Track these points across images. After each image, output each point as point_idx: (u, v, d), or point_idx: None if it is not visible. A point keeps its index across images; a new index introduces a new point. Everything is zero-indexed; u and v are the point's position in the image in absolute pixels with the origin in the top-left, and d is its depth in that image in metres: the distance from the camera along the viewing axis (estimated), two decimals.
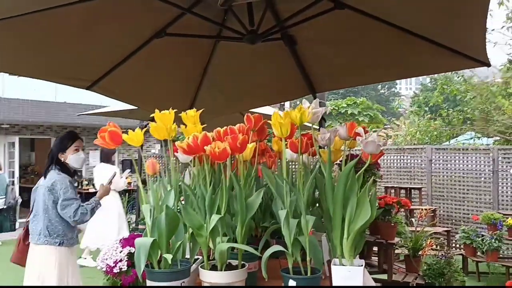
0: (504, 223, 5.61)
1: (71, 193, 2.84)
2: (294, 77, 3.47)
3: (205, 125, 1.51)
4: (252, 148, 1.59)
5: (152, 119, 1.48)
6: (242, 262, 1.40)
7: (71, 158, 2.94)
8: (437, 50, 2.88)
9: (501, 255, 5.72)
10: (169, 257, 1.25)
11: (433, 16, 2.69)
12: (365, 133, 1.40)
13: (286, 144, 1.45)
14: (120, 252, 2.12)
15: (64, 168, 2.95)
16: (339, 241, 1.32)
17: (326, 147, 1.51)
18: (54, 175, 2.89)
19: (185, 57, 3.26)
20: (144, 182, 1.52)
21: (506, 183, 7.23)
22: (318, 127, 1.70)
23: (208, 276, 1.29)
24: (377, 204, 1.58)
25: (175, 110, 1.45)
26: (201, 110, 1.54)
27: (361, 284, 1.27)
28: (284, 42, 3.15)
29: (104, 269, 2.09)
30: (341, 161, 1.54)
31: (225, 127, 1.48)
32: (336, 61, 3.32)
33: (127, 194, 9.90)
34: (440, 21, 2.71)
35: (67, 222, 2.85)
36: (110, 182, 3.21)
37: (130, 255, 2.12)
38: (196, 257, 1.52)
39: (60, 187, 2.82)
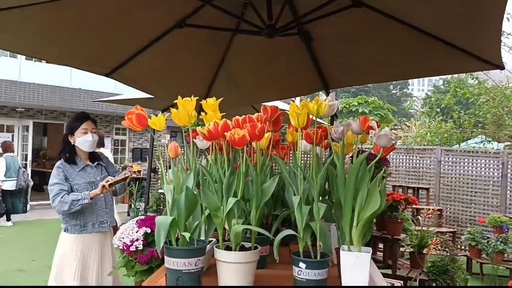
0: (510, 226, 5.64)
1: (55, 177, 2.71)
2: (307, 73, 3.52)
3: (224, 113, 1.58)
4: (268, 137, 1.66)
5: (167, 109, 1.56)
6: (255, 245, 1.47)
7: (78, 140, 2.80)
8: (452, 52, 2.92)
9: (505, 258, 5.74)
10: (187, 235, 1.33)
11: (449, 18, 2.73)
12: (378, 127, 1.46)
13: (301, 135, 1.52)
14: (137, 232, 2.22)
15: (73, 151, 2.83)
16: (348, 228, 1.38)
17: (339, 141, 1.58)
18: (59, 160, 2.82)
19: (203, 49, 3.33)
20: (154, 170, 1.60)
21: None
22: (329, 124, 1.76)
23: (223, 256, 1.36)
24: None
25: (196, 98, 1.52)
26: (220, 99, 1.61)
27: (368, 270, 1.34)
28: (300, 38, 3.21)
29: (121, 247, 2.19)
30: (352, 156, 1.61)
31: (243, 116, 1.55)
32: (351, 59, 3.37)
33: (137, 182, 10.05)
34: (456, 23, 2.75)
35: None
36: (115, 184, 2.72)
37: (146, 235, 2.22)
38: (209, 239, 1.60)
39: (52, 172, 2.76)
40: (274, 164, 1.97)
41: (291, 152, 1.94)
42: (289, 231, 1.42)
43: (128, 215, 9.59)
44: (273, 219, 1.85)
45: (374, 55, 3.25)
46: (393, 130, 12.26)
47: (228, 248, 1.43)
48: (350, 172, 1.39)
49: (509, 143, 9.65)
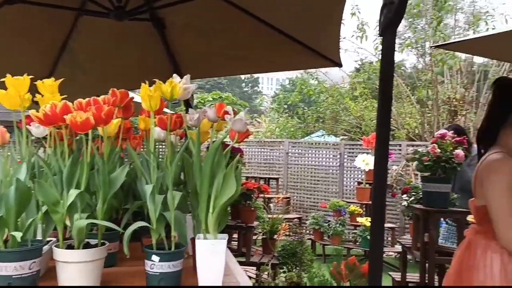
0: (347, 209, 6.31)
1: None
2: (161, 62, 3.40)
3: (66, 96, 1.40)
4: (117, 124, 1.52)
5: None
6: (102, 241, 1.33)
7: None
8: (298, 48, 3.10)
9: (343, 239, 6.42)
10: (18, 235, 1.13)
11: (296, 15, 2.89)
12: (234, 114, 1.44)
13: (154, 121, 1.42)
14: None
15: None
16: (204, 216, 1.34)
17: (194, 128, 1.52)
18: None
19: (42, 28, 2.96)
20: None
21: (350, 175, 8.17)
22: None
23: (63, 255, 1.19)
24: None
25: (31, 77, 1.31)
26: (61, 80, 1.42)
27: (224, 257, 1.31)
28: (153, 24, 3.07)
29: None
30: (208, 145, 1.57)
31: (87, 98, 1.38)
32: (205, 50, 3.36)
33: None
34: (302, 21, 2.92)
35: None
36: None
37: None
38: (48, 239, 1.40)
39: None
40: (125, 155, 1.83)
41: (144, 142, 1.82)
42: (141, 223, 1.32)
43: None
44: (125, 213, 1.71)
45: (227, 48, 3.28)
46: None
47: (70, 247, 1.26)
48: (206, 158, 1.34)
49: (345, 136, 10.82)
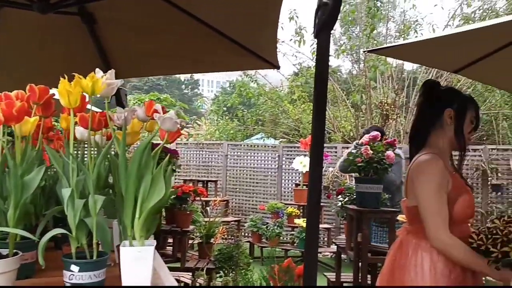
0: (285, 211, 6.37)
1: None
2: (91, 60, 3.23)
3: None
4: (34, 122, 1.40)
5: None
6: (15, 251, 1.21)
7: None
8: (236, 48, 3.07)
9: (281, 241, 6.46)
10: None
11: (234, 16, 2.85)
12: (163, 113, 1.37)
13: (75, 119, 1.32)
14: None
15: None
16: (130, 221, 1.26)
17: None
18: None
19: None
20: None
21: (289, 177, 8.28)
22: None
23: None
24: (172, 188, 1.57)
25: None
26: None
27: (151, 265, 1.24)
28: (82, 19, 2.91)
29: None
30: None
31: None
32: (140, 48, 3.23)
33: None
34: (240, 22, 2.89)
35: None
36: None
37: None
38: None
39: None
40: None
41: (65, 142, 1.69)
42: (58, 230, 1.21)
43: None
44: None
45: (163, 47, 3.18)
46: (185, 129, 12.57)
47: None
48: (132, 158, 1.26)
49: (284, 139, 10.96)
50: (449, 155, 1.91)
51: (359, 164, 2.85)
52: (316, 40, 2.14)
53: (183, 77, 38.31)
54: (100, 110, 1.50)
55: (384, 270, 1.95)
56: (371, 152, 2.81)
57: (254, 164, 8.62)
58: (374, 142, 2.89)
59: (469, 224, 1.91)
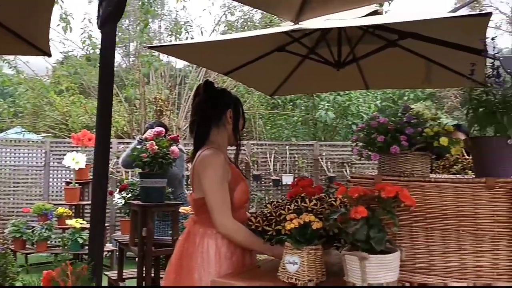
0: (54, 212, 5.85)
1: None
2: None
3: None
4: None
5: None
6: None
7: None
8: (2, 31, 2.74)
9: (50, 244, 5.92)
10: None
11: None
12: None
13: None
14: None
15: None
16: None
17: None
18: None
19: None
20: None
21: (57, 175, 7.64)
22: None
23: None
24: None
25: None
26: None
27: None
28: None
29: None
30: None
31: None
32: None
33: None
34: (12, 4, 2.59)
35: None
36: None
37: None
38: None
39: None
40: None
41: None
42: None
43: None
44: None
45: None
46: None
47: None
48: None
49: (49, 133, 9.98)
50: (226, 149, 2.14)
51: (145, 160, 2.89)
52: (98, 28, 2.09)
53: None
54: None
55: (172, 260, 2.06)
56: (156, 147, 2.89)
57: (13, 162, 7.63)
58: (159, 137, 2.97)
59: (245, 210, 2.19)
